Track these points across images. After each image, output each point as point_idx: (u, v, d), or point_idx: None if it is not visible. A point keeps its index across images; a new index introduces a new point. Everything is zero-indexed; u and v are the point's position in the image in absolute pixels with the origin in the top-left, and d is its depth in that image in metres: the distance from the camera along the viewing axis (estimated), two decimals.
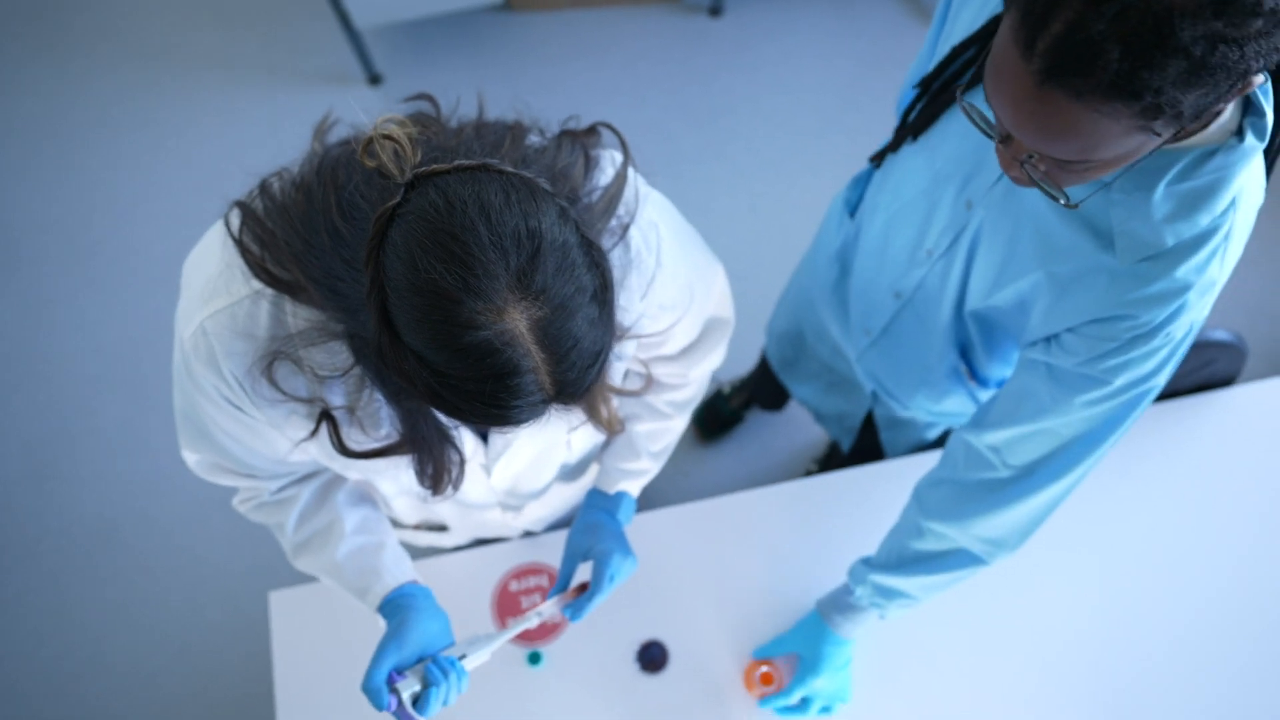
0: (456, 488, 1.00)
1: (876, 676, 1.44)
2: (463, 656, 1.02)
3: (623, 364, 1.09)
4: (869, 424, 1.72)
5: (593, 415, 1.02)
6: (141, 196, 2.79)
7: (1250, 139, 0.85)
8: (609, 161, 0.94)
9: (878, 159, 1.28)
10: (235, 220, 0.85)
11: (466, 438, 1.04)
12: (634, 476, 1.29)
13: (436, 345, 0.69)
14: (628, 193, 0.92)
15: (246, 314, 0.86)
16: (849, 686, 1.39)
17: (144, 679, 2.29)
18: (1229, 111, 0.86)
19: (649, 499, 1.63)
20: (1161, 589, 1.48)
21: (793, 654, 1.39)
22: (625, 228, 0.91)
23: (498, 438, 1.06)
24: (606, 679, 1.45)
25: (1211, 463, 1.55)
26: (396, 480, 1.10)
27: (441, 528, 1.42)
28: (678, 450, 2.49)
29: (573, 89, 2.86)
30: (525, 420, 0.75)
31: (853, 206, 1.41)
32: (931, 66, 1.09)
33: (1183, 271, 0.92)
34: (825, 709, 1.38)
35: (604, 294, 0.75)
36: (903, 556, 1.24)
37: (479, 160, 0.72)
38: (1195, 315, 0.96)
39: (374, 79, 2.89)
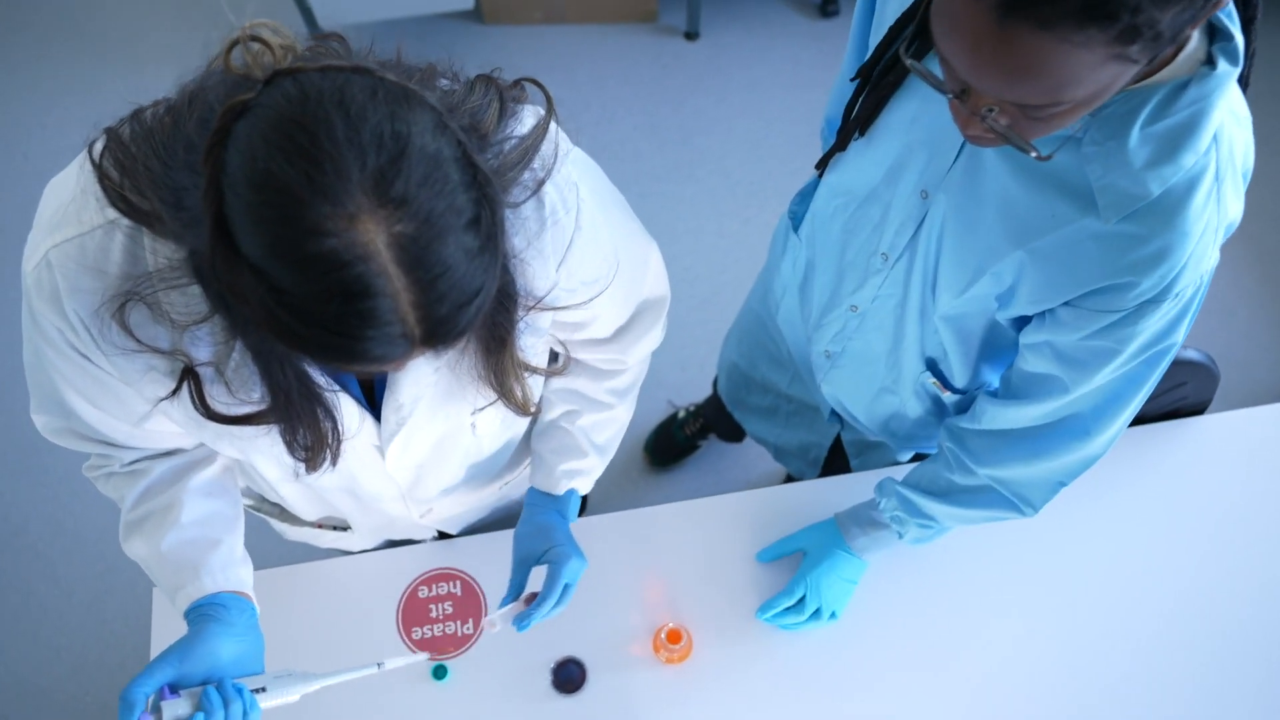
0: (334, 462, 0.88)
1: (861, 675, 1.31)
2: (261, 690, 0.88)
3: (539, 340, 0.98)
4: (835, 453, 1.61)
5: (504, 393, 0.91)
6: None
7: (1223, 64, 0.78)
8: (530, 114, 0.85)
9: (822, 164, 1.19)
10: (99, 146, 0.75)
11: (350, 409, 0.93)
12: (581, 475, 1.19)
13: (276, 254, 0.60)
14: (546, 147, 0.83)
15: (98, 246, 0.76)
16: (845, 602, 1.32)
17: (37, 690, 2.11)
18: (1195, 40, 0.79)
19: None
20: (1123, 616, 1.38)
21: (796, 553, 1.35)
22: (540, 182, 0.82)
23: (391, 414, 0.95)
24: (518, 699, 1.31)
25: (1179, 493, 1.45)
26: (279, 460, 0.97)
27: (346, 527, 1.29)
28: (622, 477, 2.37)
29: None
30: (381, 357, 0.65)
31: (798, 220, 1.32)
32: (869, 54, 1.02)
33: (1177, 221, 0.83)
34: (817, 614, 1.30)
35: (488, 224, 0.66)
36: (935, 483, 1.21)
37: (353, 63, 0.64)
38: (1204, 266, 0.88)
39: None
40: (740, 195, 2.71)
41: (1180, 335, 0.94)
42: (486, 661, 1.33)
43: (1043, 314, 0.98)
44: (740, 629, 1.35)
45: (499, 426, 1.11)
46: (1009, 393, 1.10)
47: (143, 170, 0.71)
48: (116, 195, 0.72)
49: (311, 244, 0.59)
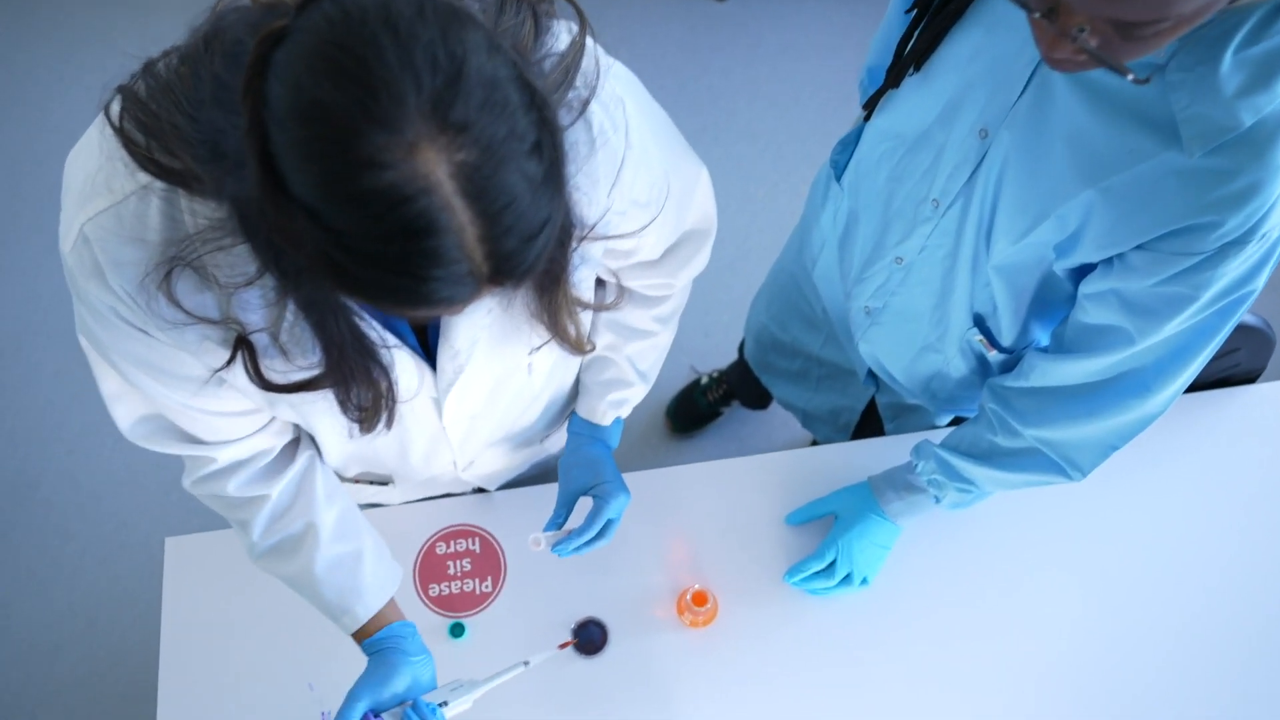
0: (390, 423, 0.85)
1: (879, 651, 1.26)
2: (443, 704, 0.99)
3: (590, 270, 0.94)
4: (868, 418, 1.56)
5: (557, 331, 0.86)
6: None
7: None
8: (564, 30, 0.79)
9: (870, 105, 1.13)
10: (116, 108, 0.70)
11: (406, 363, 0.88)
12: (626, 403, 1.20)
13: (330, 192, 0.55)
14: (586, 62, 0.77)
15: (134, 214, 0.72)
16: (878, 568, 1.27)
17: (47, 650, 2.10)
18: None
19: None
20: (1165, 590, 1.32)
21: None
22: (585, 102, 0.77)
23: (447, 361, 0.91)
24: (534, 654, 1.27)
25: (1227, 464, 1.39)
26: (336, 421, 0.95)
27: (384, 482, 1.25)
28: (642, 443, 2.32)
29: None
30: (448, 299, 0.61)
31: (840, 169, 1.26)
32: None
33: (1270, 155, 0.77)
34: (849, 579, 1.26)
35: (550, 150, 0.61)
36: (976, 445, 1.16)
37: None
38: None
39: None
40: (768, 159, 2.64)
41: (1260, 282, 0.88)
42: (506, 620, 1.29)
43: (1110, 260, 0.92)
44: (767, 593, 1.30)
45: (552, 367, 1.09)
46: (1063, 347, 1.04)
47: (168, 128, 0.66)
48: (144, 158, 0.67)
49: (369, 178, 0.54)
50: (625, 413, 1.21)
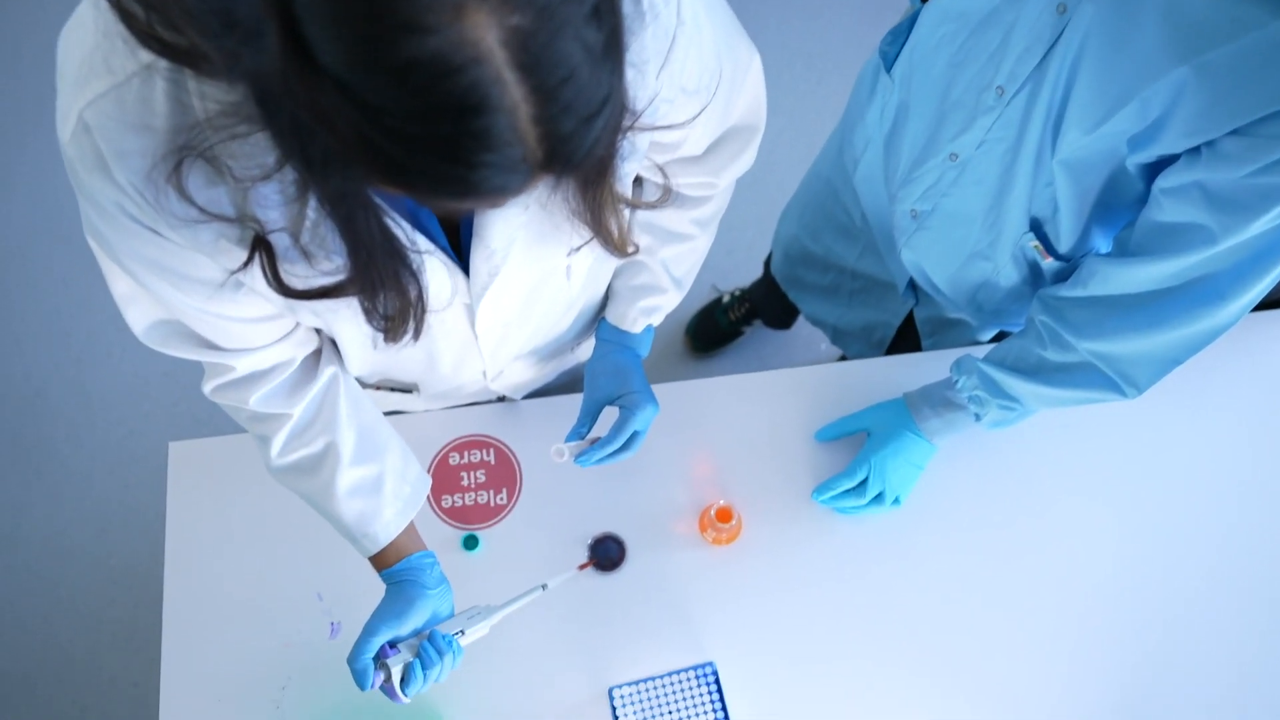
0: (418, 334, 0.78)
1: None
2: (459, 633, 0.97)
3: (634, 165, 0.86)
4: (903, 334, 1.49)
5: (600, 229, 0.78)
6: None
7: None
8: None
9: None
10: None
11: (437, 269, 0.81)
12: (658, 311, 1.14)
13: (364, 62, 0.48)
14: None
15: (137, 97, 0.64)
16: (910, 488, 1.22)
17: (58, 555, 2.09)
18: None
19: None
20: (1214, 517, 1.26)
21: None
22: None
23: (482, 264, 0.83)
24: (551, 575, 1.22)
25: None
26: (360, 330, 0.88)
27: (407, 390, 1.19)
28: (661, 360, 2.26)
29: None
30: (497, 190, 0.54)
31: (890, 61, 1.16)
32: None
33: None
34: (880, 499, 1.21)
35: (610, 17, 0.53)
36: (1023, 360, 1.09)
37: None
38: None
39: None
40: (798, 68, 2.52)
41: None
42: (521, 534, 1.24)
43: (1196, 149, 0.83)
44: (792, 511, 1.25)
45: (589, 271, 1.02)
46: (1131, 250, 0.96)
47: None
48: (146, 35, 0.59)
49: (410, 45, 0.47)
50: (657, 321, 1.16)
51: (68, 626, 2.04)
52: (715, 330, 2.23)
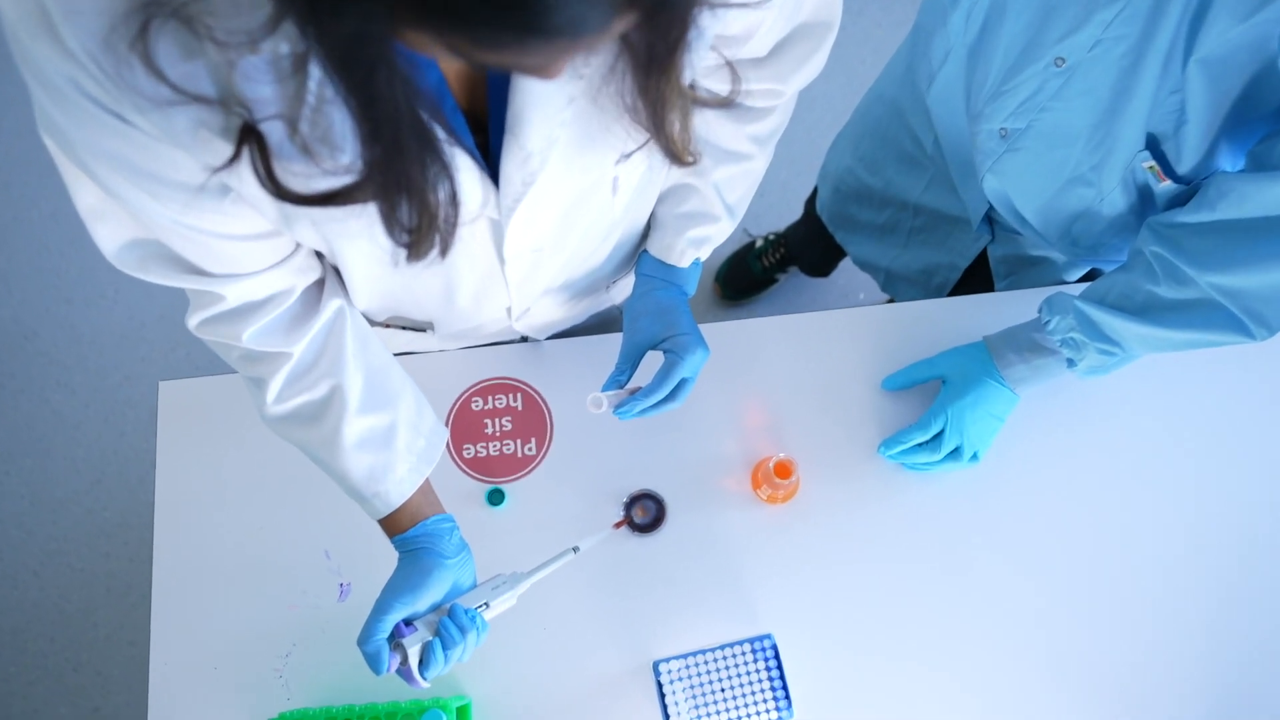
0: (445, 248, 0.65)
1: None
2: (483, 606, 0.86)
3: (699, 54, 0.72)
4: (970, 277, 1.35)
5: (660, 127, 0.65)
6: None
7: None
8: None
9: None
10: None
11: (467, 170, 0.68)
12: (708, 242, 1.01)
13: None
14: None
15: None
16: (990, 442, 1.09)
17: (51, 505, 1.97)
18: None
19: None
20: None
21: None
22: None
23: (515, 169, 0.70)
24: (583, 536, 1.10)
25: None
26: (371, 249, 0.77)
27: (422, 328, 1.06)
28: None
29: None
30: (571, 24, 0.44)
31: None
32: None
33: None
34: (957, 454, 1.09)
35: None
36: (1130, 297, 0.96)
37: None
38: None
39: None
40: None
41: None
42: (551, 489, 1.12)
43: None
44: (855, 467, 1.12)
45: (637, 188, 0.88)
46: (1276, 163, 0.82)
47: None
48: None
49: None
50: (705, 254, 1.02)
51: (60, 581, 1.93)
52: (747, 277, 2.10)
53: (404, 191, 0.59)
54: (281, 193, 0.59)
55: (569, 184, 0.75)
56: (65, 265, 2.14)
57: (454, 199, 0.62)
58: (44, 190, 2.18)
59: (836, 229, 1.55)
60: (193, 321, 0.81)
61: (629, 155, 0.73)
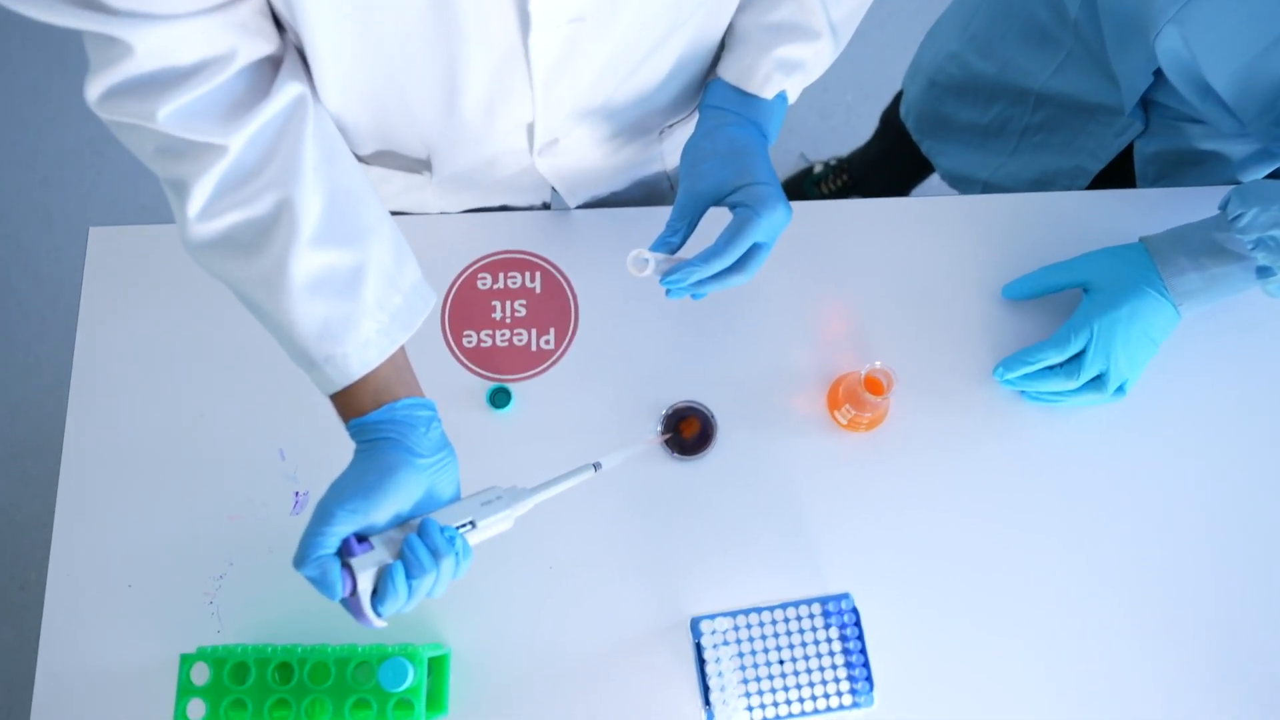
0: None
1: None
2: (467, 525, 0.64)
3: None
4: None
5: None
6: None
7: None
8: None
9: None
10: None
11: None
12: (801, 70, 0.77)
13: None
14: None
15: None
16: (1141, 370, 0.84)
17: (11, 403, 1.76)
18: None
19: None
20: None
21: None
22: None
23: None
24: (608, 452, 0.86)
25: None
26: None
27: (416, 169, 0.83)
28: None
29: None
30: None
31: None
32: None
33: None
34: (1099, 382, 0.84)
35: None
36: None
37: None
38: None
39: None
40: None
41: None
42: (570, 393, 0.88)
43: None
44: (962, 392, 0.88)
45: None
46: None
47: None
48: None
49: None
50: (795, 89, 0.78)
51: None
52: None
53: None
54: None
55: None
56: (40, 142, 1.91)
57: None
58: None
59: (924, 136, 1.30)
60: (94, 91, 0.57)
61: None
